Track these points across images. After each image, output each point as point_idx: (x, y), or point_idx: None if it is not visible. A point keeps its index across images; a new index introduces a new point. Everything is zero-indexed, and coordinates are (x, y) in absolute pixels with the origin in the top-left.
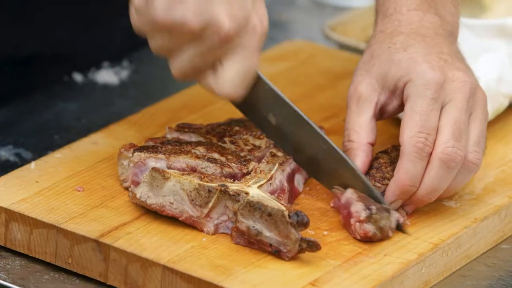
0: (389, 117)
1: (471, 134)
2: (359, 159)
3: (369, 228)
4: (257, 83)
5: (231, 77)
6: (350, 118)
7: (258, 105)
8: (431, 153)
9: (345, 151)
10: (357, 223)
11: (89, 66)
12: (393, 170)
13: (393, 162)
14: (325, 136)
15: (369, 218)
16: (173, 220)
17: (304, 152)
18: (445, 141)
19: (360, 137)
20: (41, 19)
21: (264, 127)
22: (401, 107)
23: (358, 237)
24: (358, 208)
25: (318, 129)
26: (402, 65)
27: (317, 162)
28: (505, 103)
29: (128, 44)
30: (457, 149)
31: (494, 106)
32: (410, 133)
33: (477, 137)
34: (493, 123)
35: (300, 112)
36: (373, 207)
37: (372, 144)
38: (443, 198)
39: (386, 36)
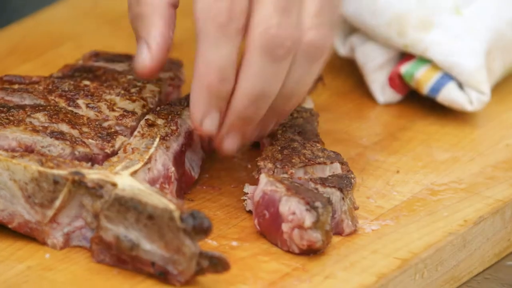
0: None
1: (307, 1)
2: (157, 29)
3: (316, 236)
4: None
5: None
6: None
7: None
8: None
9: (138, 25)
10: (296, 230)
11: None
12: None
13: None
14: None
15: (316, 223)
16: None
17: None
18: (266, 18)
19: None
20: None
21: None
22: None
23: (296, 251)
24: (296, 209)
25: None
26: None
27: None
28: None
29: None
30: (286, 28)
31: (507, 60)
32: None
33: (317, 5)
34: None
35: None
36: (319, 204)
37: (175, 6)
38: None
39: None
